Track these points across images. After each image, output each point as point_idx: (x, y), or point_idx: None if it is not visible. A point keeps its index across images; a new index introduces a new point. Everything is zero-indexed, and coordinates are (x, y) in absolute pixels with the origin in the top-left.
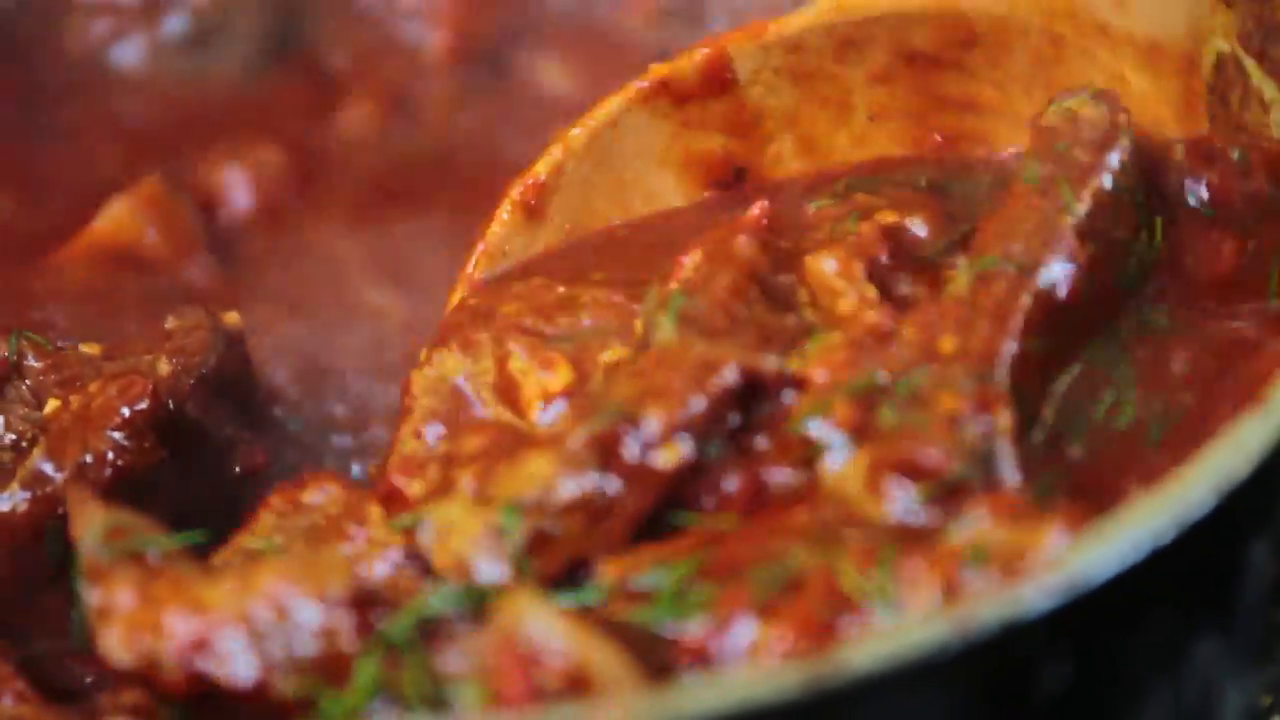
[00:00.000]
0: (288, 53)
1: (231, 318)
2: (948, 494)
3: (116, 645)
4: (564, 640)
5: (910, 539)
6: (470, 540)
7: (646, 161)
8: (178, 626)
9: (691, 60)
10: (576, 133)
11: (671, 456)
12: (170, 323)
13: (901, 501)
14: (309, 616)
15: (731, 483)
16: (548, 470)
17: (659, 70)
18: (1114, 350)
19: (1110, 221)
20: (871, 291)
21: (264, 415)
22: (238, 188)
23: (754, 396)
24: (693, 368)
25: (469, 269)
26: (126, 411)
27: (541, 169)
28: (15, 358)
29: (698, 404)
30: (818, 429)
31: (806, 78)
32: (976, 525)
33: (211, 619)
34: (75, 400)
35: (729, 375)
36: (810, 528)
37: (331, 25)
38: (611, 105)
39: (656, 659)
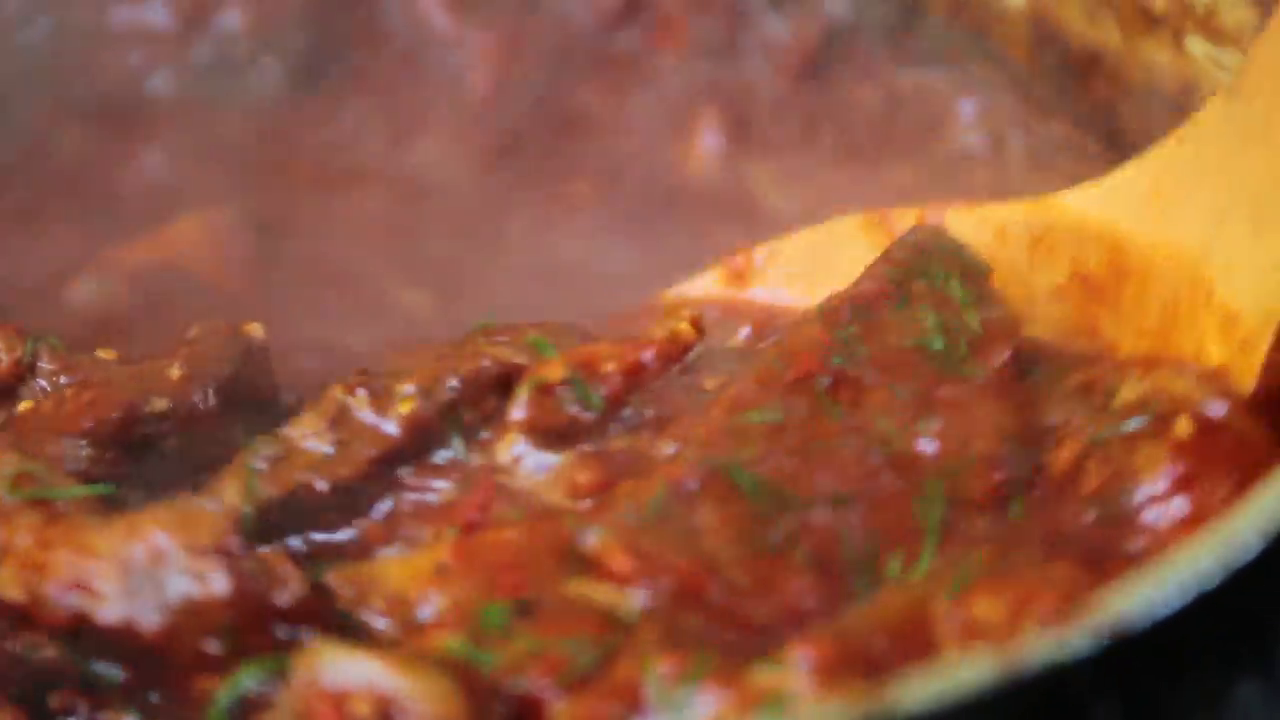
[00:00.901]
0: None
1: (254, 328)
2: None
3: (6, 580)
4: (365, 674)
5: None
6: None
7: (844, 267)
8: (61, 566)
9: (912, 211)
10: (801, 231)
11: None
12: (192, 332)
13: None
14: (180, 564)
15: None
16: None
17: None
18: None
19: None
20: None
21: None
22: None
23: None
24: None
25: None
26: (89, 422)
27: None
28: (30, 359)
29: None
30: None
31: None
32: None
33: (92, 561)
34: (48, 402)
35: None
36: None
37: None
38: (841, 222)
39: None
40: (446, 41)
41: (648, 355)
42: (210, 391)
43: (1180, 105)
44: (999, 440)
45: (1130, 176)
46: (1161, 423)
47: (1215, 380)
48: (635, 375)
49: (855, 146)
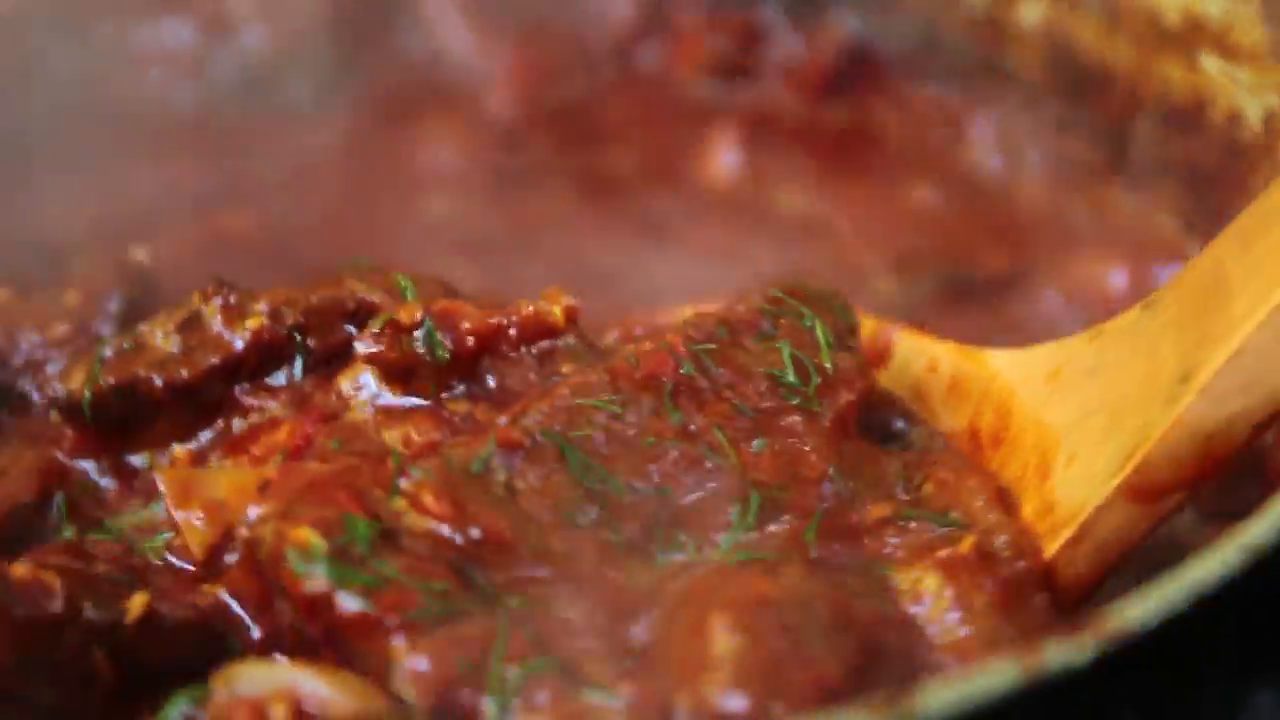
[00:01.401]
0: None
1: (138, 251)
2: None
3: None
4: (276, 684)
5: None
6: None
7: None
8: None
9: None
10: None
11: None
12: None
13: None
14: None
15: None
16: None
17: None
18: None
19: None
20: None
21: None
22: None
23: None
24: None
25: None
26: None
27: None
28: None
29: None
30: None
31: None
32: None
33: None
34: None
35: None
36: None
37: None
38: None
39: None
40: (467, 61)
41: (507, 325)
42: (109, 313)
43: (1194, 122)
44: (823, 473)
45: (1042, 355)
46: (950, 536)
47: (1020, 531)
48: (489, 339)
49: (872, 163)
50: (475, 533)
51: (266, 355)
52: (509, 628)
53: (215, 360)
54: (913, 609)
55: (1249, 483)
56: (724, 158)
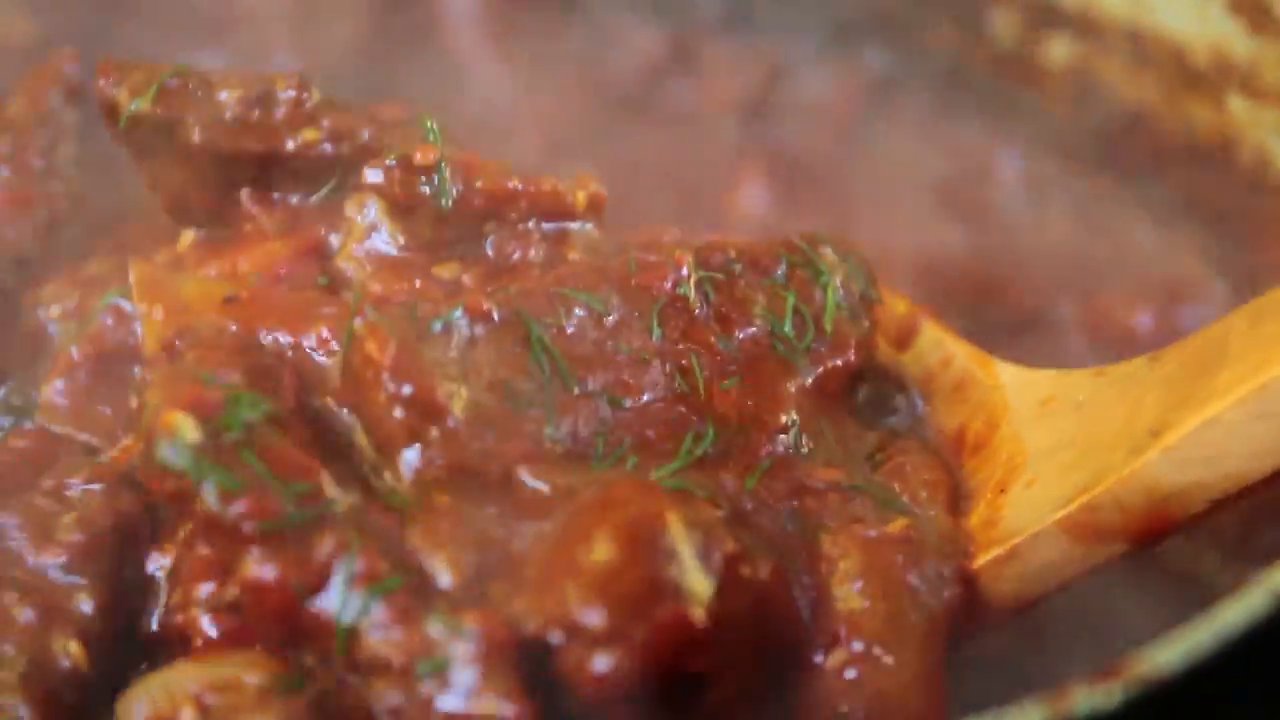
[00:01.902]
0: None
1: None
2: None
3: None
4: (172, 694)
5: None
6: None
7: None
8: None
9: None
10: None
11: None
12: None
13: None
14: None
15: None
16: None
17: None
18: None
19: None
20: None
21: None
22: None
23: None
24: None
25: None
26: None
27: None
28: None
29: None
30: None
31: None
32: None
33: None
34: None
35: None
36: None
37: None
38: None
39: None
40: (495, 97)
41: (521, 192)
42: None
43: (1221, 162)
44: (783, 425)
45: (1044, 380)
46: (885, 516)
47: (955, 532)
48: (498, 201)
49: (898, 200)
50: (407, 389)
51: (298, 169)
52: (363, 542)
53: (256, 149)
54: (826, 571)
55: (1274, 522)
56: (751, 194)
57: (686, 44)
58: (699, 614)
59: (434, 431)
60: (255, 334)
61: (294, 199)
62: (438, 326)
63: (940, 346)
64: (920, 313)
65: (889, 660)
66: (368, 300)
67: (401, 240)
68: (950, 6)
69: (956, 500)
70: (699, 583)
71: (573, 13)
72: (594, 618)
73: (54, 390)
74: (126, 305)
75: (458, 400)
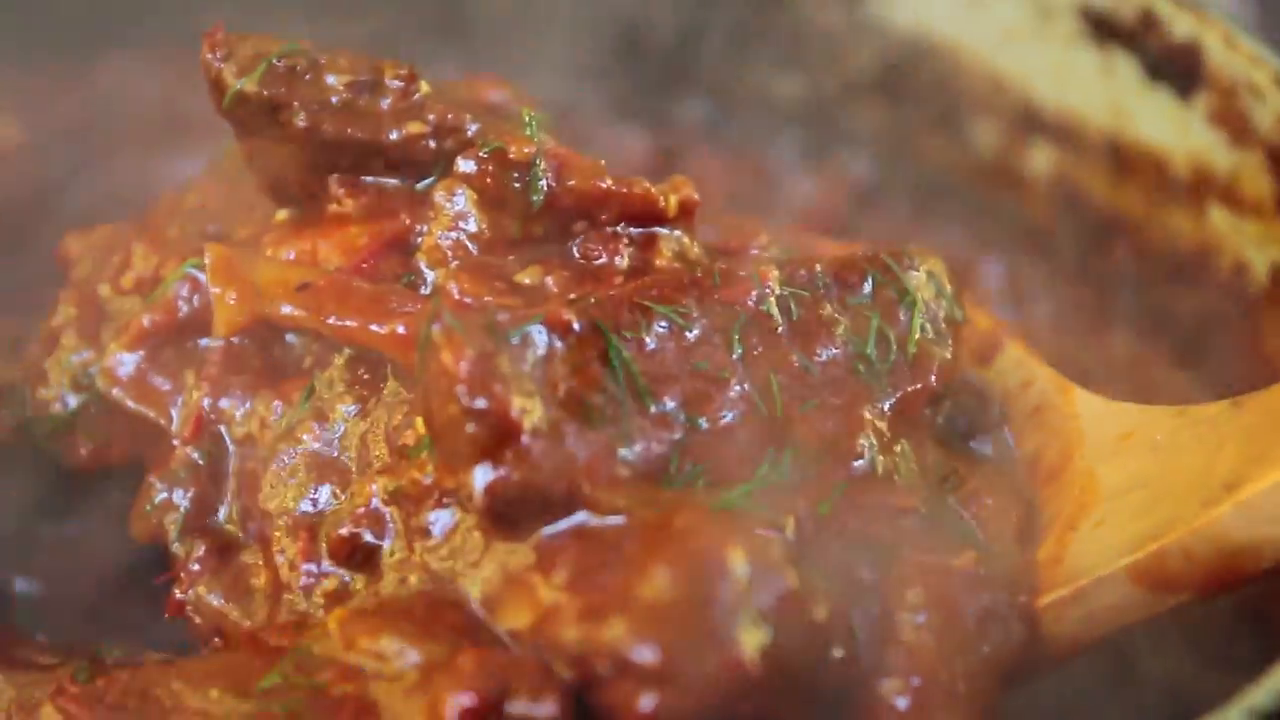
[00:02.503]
0: None
1: None
2: None
3: None
4: None
5: None
6: None
7: None
8: None
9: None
10: None
11: None
12: None
13: None
14: None
15: None
16: None
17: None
18: None
19: None
20: None
21: None
22: None
23: None
24: None
25: None
26: None
27: None
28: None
29: None
30: None
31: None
32: None
33: None
34: None
35: None
36: None
37: None
38: None
39: None
40: None
41: (614, 192)
42: None
43: (1201, 272)
44: (860, 453)
45: (1124, 414)
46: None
47: (1025, 567)
48: (589, 201)
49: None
50: (480, 403)
51: (397, 160)
52: None
53: (359, 136)
54: (891, 599)
55: (1251, 631)
56: None
57: (671, 151)
58: (753, 661)
59: (506, 452)
60: (326, 321)
61: (385, 183)
62: (516, 338)
63: (1021, 368)
64: (1003, 330)
65: (943, 696)
66: (446, 305)
67: (487, 234)
68: (931, 116)
69: (1029, 531)
70: (755, 630)
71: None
72: (645, 654)
73: (117, 360)
74: (202, 277)
75: (530, 417)
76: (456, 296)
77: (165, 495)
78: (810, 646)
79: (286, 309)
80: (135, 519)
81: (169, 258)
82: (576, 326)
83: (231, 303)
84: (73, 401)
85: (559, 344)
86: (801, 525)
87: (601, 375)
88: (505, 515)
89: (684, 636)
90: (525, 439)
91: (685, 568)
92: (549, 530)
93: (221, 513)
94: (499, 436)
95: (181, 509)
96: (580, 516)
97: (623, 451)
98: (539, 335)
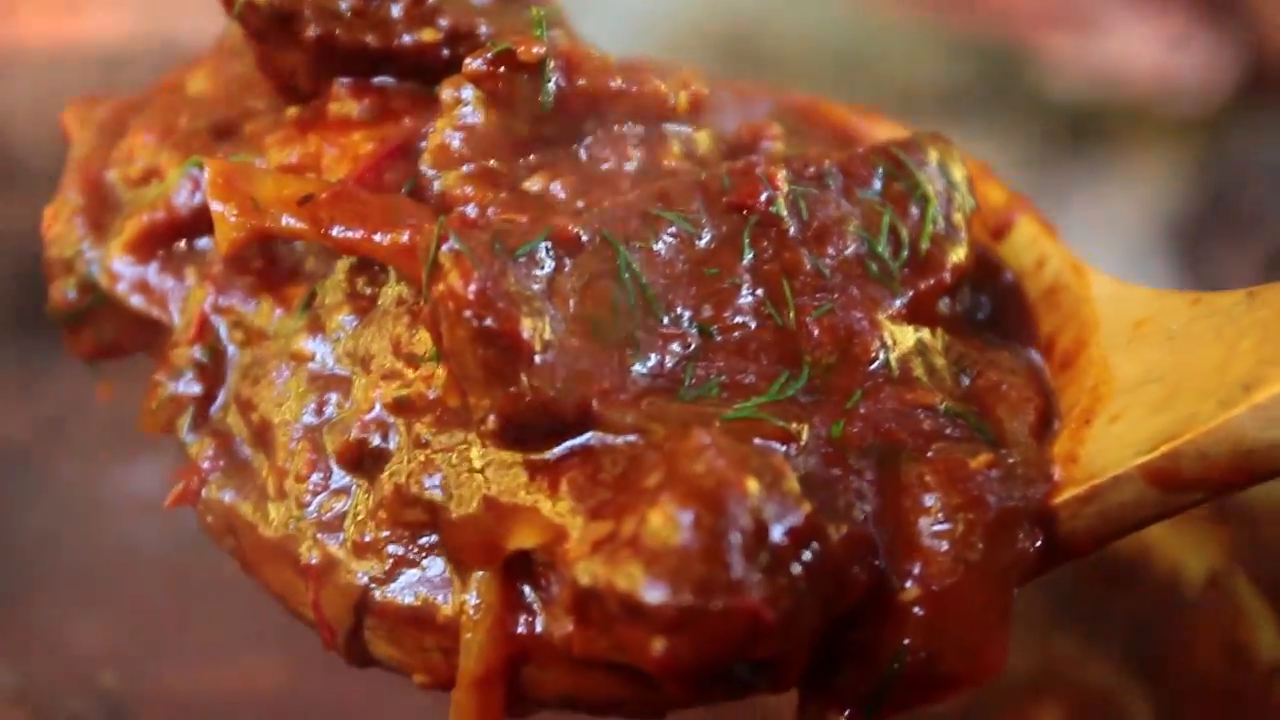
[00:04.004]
0: None
1: None
2: None
3: None
4: None
5: None
6: None
7: None
8: None
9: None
10: None
11: None
12: None
13: None
14: None
15: None
16: None
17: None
18: None
19: None
20: None
21: None
22: None
23: None
24: None
25: None
26: None
27: None
28: None
29: None
30: None
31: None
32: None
33: None
34: None
35: None
36: None
37: None
38: None
39: None
40: None
41: (624, 90)
42: None
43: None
44: (875, 357)
45: (1140, 298)
46: (972, 446)
47: (1043, 464)
48: (599, 101)
49: None
50: (490, 324)
51: (409, 66)
52: None
53: (371, 43)
54: (908, 503)
55: None
56: None
57: None
58: (768, 612)
59: (518, 373)
60: (329, 234)
61: (390, 84)
62: (523, 255)
63: (1035, 245)
64: (1018, 204)
65: (960, 601)
66: (452, 225)
67: (495, 133)
68: None
69: (1047, 422)
70: (770, 572)
71: None
72: (654, 595)
73: (118, 259)
74: (203, 177)
75: (540, 336)
76: (462, 211)
77: (172, 391)
78: (828, 574)
79: (288, 221)
80: (144, 413)
81: (175, 151)
82: (584, 239)
83: (232, 219)
84: (73, 294)
85: (567, 259)
86: (816, 433)
87: (611, 288)
88: (517, 437)
89: (694, 581)
90: (536, 359)
91: (695, 502)
92: (558, 449)
93: (225, 411)
94: (510, 357)
95: (189, 408)
96: (590, 435)
97: (635, 366)
98: (546, 250)
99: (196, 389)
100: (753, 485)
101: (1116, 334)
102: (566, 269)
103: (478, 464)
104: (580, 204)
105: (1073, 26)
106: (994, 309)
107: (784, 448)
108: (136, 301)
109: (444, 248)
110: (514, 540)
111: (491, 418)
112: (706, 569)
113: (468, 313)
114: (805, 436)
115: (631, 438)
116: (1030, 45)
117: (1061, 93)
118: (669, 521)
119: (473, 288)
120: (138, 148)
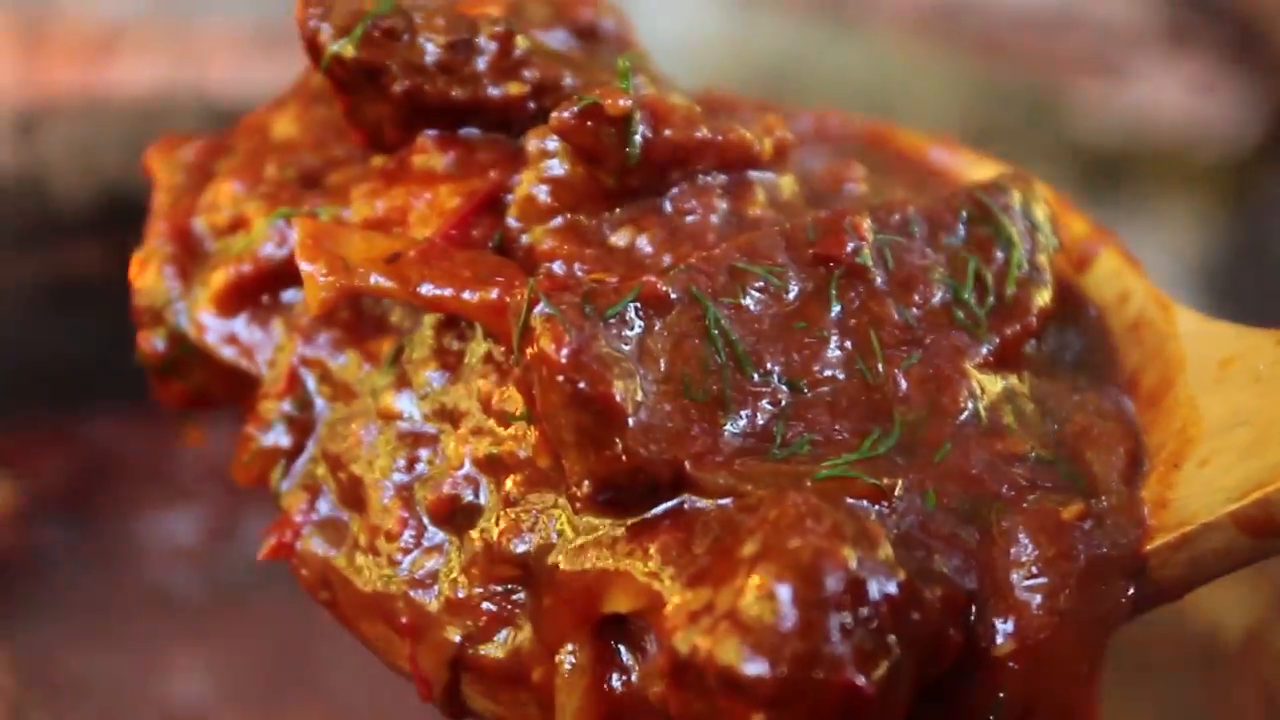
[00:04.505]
0: None
1: None
2: None
3: None
4: None
5: None
6: None
7: None
8: None
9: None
10: None
11: None
12: None
13: None
14: None
15: None
16: None
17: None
18: None
19: None
20: None
21: None
22: None
23: None
24: None
25: None
26: None
27: None
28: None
29: None
30: None
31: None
32: None
33: None
34: None
35: None
36: None
37: None
38: None
39: None
40: None
41: (710, 140)
42: None
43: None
44: (964, 408)
45: (1226, 335)
46: (1064, 497)
47: (1135, 511)
48: (686, 153)
49: None
50: (584, 389)
51: (496, 119)
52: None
53: (458, 96)
54: (1000, 556)
55: None
56: None
57: None
58: (866, 685)
59: (613, 437)
60: (417, 292)
61: (475, 135)
62: (613, 316)
63: (1119, 278)
64: (1100, 236)
65: (1055, 653)
66: (543, 288)
67: (581, 185)
68: None
69: (1137, 464)
70: (869, 649)
71: None
72: (753, 669)
73: (206, 311)
74: (290, 234)
75: (633, 398)
76: (550, 268)
77: (263, 443)
78: (924, 639)
79: (377, 280)
80: (237, 465)
81: (262, 201)
82: (673, 297)
83: (321, 280)
84: (161, 345)
85: (656, 318)
86: (908, 488)
87: (700, 346)
88: (610, 500)
89: (793, 655)
90: (630, 421)
91: (793, 575)
92: (651, 512)
93: (314, 463)
94: (604, 421)
95: (281, 460)
96: (684, 498)
97: (726, 425)
98: (635, 310)
99: (287, 441)
100: (849, 555)
101: (1203, 373)
102: (656, 328)
103: (569, 526)
104: (667, 258)
105: (1101, 71)
106: (1080, 347)
107: (876, 506)
108: (226, 353)
109: (535, 311)
110: (608, 605)
111: (586, 483)
112: (804, 643)
113: (561, 377)
114: (898, 491)
115: (725, 501)
116: (1060, 89)
117: (1091, 137)
118: (767, 595)
119: (565, 352)
120: (225, 195)
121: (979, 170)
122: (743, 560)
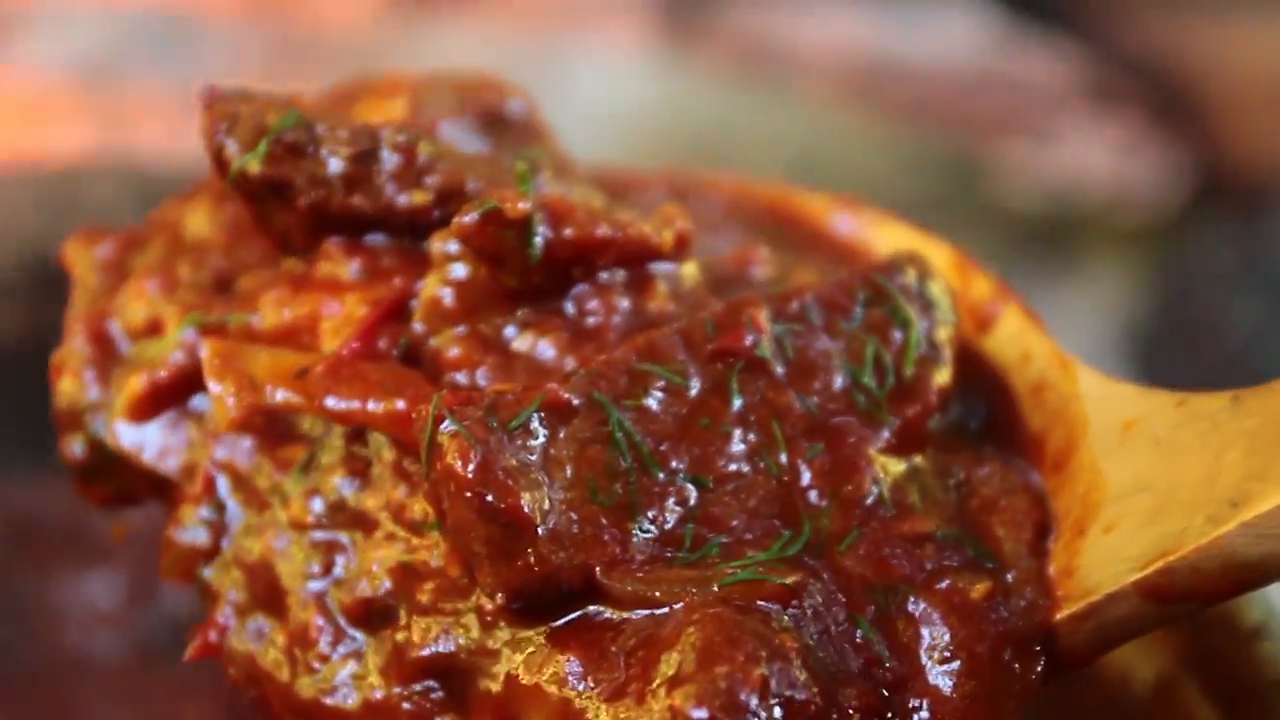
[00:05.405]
0: None
1: None
2: None
3: None
4: None
5: None
6: None
7: None
8: None
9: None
10: None
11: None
12: None
13: None
14: None
15: None
16: None
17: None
18: None
19: None
20: None
21: None
22: None
23: None
24: None
25: None
26: None
27: None
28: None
29: None
30: None
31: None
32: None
33: None
34: None
35: None
36: None
37: None
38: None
39: None
40: None
41: (611, 238)
42: None
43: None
44: (868, 493)
45: (1128, 397)
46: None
47: (1043, 584)
48: (587, 251)
49: None
50: (491, 503)
51: (401, 226)
52: None
53: (363, 207)
54: (911, 640)
55: None
56: None
57: None
58: None
59: (524, 548)
60: (323, 406)
61: (379, 242)
62: (516, 425)
63: (1021, 339)
64: (1002, 295)
65: None
66: (446, 404)
67: (485, 286)
68: None
69: (1044, 533)
70: None
71: None
72: None
73: (122, 421)
74: (201, 348)
75: (540, 508)
76: (453, 380)
77: (184, 544)
78: None
79: (284, 396)
80: (163, 569)
81: (176, 306)
82: (575, 403)
83: (230, 401)
84: (80, 451)
85: (560, 426)
86: (816, 584)
87: (605, 450)
88: (523, 609)
89: None
90: (539, 530)
91: (710, 702)
92: (563, 620)
93: (229, 568)
94: (513, 533)
95: (202, 561)
96: (593, 607)
97: (635, 528)
98: (539, 419)
99: (206, 542)
100: (764, 674)
101: (1106, 436)
102: (561, 435)
103: (481, 638)
104: (569, 362)
105: (1026, 133)
106: (985, 414)
107: (789, 610)
108: (144, 458)
109: (441, 428)
110: (524, 715)
111: (500, 595)
112: None
113: (469, 493)
114: (809, 588)
115: (641, 613)
116: (986, 153)
117: (1017, 200)
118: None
119: (471, 467)
120: (140, 296)
121: (884, 232)
122: (661, 681)
